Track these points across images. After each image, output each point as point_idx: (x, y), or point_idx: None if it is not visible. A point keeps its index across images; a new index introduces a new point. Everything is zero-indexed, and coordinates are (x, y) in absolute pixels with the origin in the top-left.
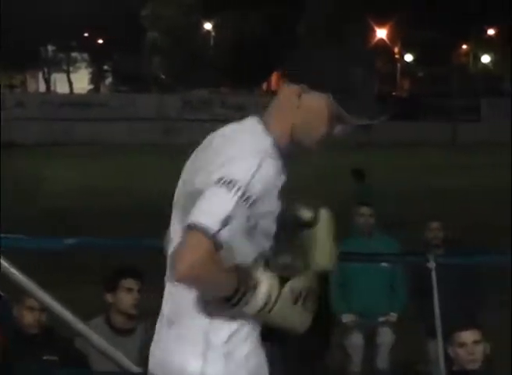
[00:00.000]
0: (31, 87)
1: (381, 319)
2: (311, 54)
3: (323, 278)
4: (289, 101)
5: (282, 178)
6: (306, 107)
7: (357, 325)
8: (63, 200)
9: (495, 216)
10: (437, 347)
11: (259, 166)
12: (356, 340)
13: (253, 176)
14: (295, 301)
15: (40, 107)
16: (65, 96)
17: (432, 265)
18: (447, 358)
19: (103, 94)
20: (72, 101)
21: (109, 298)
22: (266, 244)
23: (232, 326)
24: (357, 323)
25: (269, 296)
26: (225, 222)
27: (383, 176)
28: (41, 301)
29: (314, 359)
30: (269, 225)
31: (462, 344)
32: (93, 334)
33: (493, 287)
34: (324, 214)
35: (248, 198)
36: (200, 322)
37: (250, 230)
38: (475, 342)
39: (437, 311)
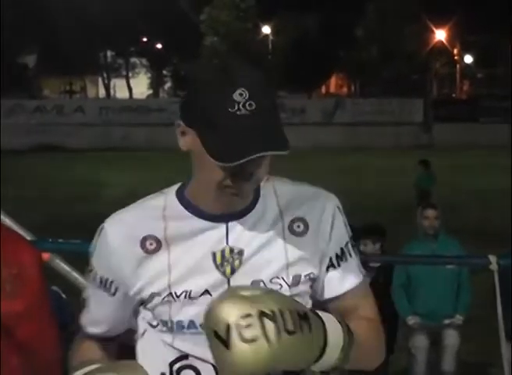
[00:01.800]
0: (91, 92)
1: (446, 321)
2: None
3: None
4: None
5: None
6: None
7: (422, 327)
8: (122, 205)
9: None
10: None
11: None
12: (421, 342)
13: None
14: None
15: (100, 112)
16: (124, 101)
17: (494, 267)
18: None
19: (162, 99)
20: (132, 106)
21: None
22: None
23: None
24: (422, 325)
25: None
26: None
27: (445, 175)
28: None
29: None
30: None
31: None
32: None
33: None
34: None
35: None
36: None
37: None
38: None
39: (500, 313)
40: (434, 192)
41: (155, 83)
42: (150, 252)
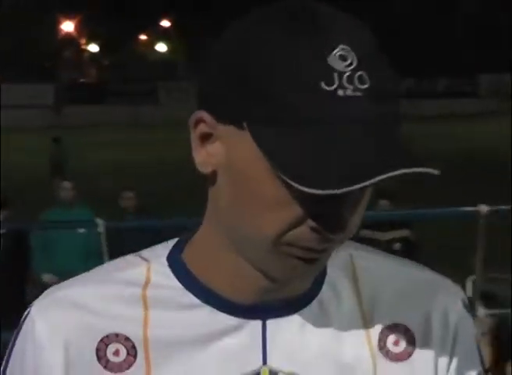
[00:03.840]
0: None
1: None
2: None
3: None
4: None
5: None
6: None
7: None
8: None
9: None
10: None
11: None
12: None
13: None
14: None
15: None
16: None
17: (101, 229)
18: None
19: None
20: None
21: None
22: None
23: None
24: (57, 282)
25: None
26: None
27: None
28: None
29: None
30: None
31: None
32: None
33: None
34: None
35: None
36: None
37: None
38: None
39: None
40: (67, 165)
41: None
42: (113, 369)
